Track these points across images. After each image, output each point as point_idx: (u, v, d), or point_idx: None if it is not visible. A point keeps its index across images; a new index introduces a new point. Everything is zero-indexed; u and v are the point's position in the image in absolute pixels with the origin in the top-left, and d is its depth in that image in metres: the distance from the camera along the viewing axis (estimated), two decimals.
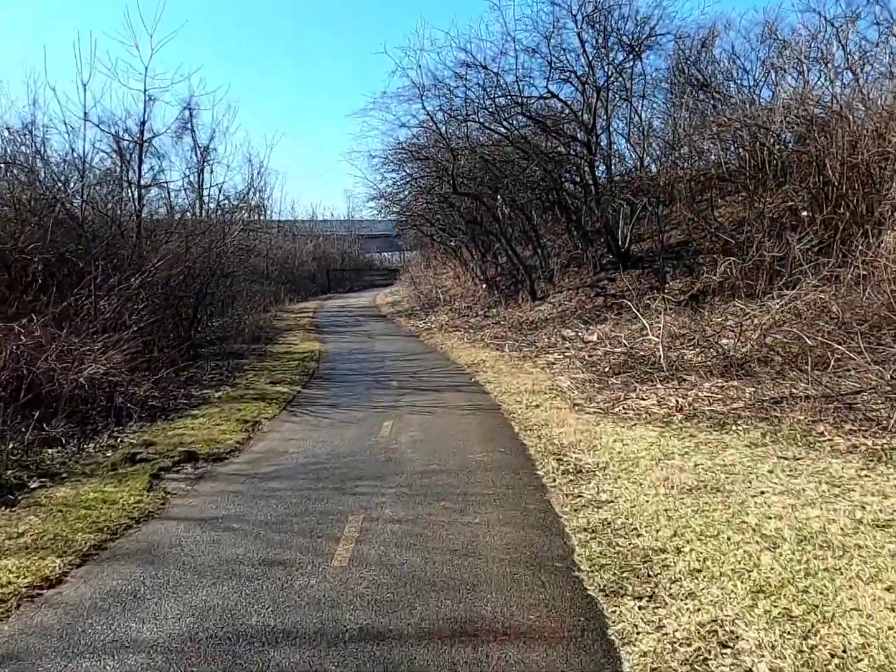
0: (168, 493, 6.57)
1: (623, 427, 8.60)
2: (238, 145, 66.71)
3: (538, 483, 6.42)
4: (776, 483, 5.95)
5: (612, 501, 5.70)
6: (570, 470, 6.74)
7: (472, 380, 13.49)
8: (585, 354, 14.97)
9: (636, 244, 22.06)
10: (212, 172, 28.00)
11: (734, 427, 8.24)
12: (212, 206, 29.97)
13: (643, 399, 10.33)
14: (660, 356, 12.02)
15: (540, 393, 11.50)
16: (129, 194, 17.31)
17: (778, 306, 12.20)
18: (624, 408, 9.97)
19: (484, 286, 28.69)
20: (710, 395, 10.14)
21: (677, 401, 9.89)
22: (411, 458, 7.57)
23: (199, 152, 29.38)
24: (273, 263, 40.54)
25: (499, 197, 24.41)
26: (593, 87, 20.88)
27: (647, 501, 5.61)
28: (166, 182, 18.50)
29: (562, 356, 15.46)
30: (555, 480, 6.45)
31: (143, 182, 17.65)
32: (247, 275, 30.13)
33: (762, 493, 5.72)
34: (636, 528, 5.01)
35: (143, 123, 16.87)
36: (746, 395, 9.84)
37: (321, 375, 15.48)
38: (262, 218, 43.89)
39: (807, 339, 9.88)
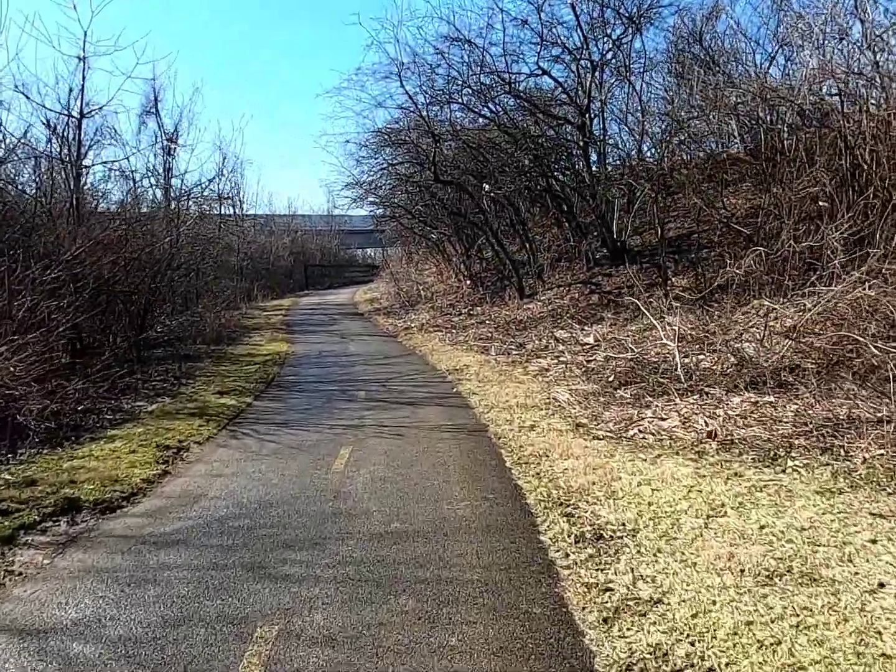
0: (9, 574, 4.55)
1: (645, 460, 6.69)
2: (203, 129, 63.40)
3: (544, 560, 4.46)
4: (892, 565, 4.05)
5: (659, 602, 3.76)
6: (587, 535, 4.79)
7: (454, 390, 11.53)
8: (583, 359, 13.07)
9: (633, 237, 20.22)
10: (173, 158, 25.69)
11: (790, 462, 6.36)
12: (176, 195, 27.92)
13: (662, 419, 8.42)
14: (675, 364, 10.14)
15: (534, 408, 9.58)
16: (65, 175, 15.14)
17: (812, 305, 10.34)
18: (640, 430, 8.06)
19: (468, 282, 26.76)
20: (743, 413, 8.27)
21: (706, 422, 8.00)
22: (367, 508, 5.59)
23: (163, 135, 27.23)
24: (246, 258, 38.33)
25: (485, 185, 22.46)
26: (588, 63, 18.96)
27: (714, 603, 3.68)
28: (110, 162, 16.25)
29: (556, 361, 13.55)
30: (567, 556, 4.49)
31: (83, 161, 15.50)
32: (213, 269, 28.02)
33: (881, 585, 3.81)
34: (714, 670, 3.08)
35: (80, 93, 14.69)
36: (789, 415, 7.99)
37: (281, 383, 13.46)
38: (235, 210, 41.72)
39: (872, 348, 7.98)
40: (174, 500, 6.06)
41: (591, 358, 13.07)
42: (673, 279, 16.92)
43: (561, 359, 13.60)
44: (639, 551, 4.47)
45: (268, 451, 7.79)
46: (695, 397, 9.08)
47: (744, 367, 9.71)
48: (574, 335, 15.69)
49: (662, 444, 7.41)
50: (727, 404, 8.66)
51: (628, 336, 13.53)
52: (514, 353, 15.17)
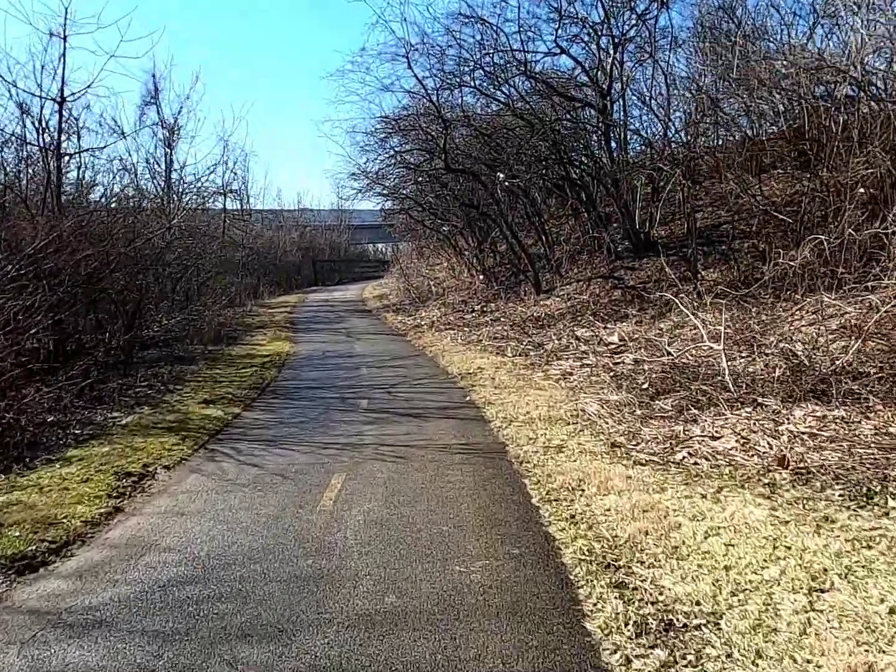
0: None
1: (705, 496, 5.38)
2: (203, 119, 61.88)
3: (597, 669, 3.17)
4: None
5: None
6: (652, 623, 3.49)
7: (467, 398, 10.24)
8: (609, 361, 11.78)
9: (657, 228, 18.84)
10: (173, 149, 24.52)
11: (891, 501, 5.03)
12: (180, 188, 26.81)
13: (715, 437, 7.11)
14: (722, 369, 8.82)
15: (560, 422, 8.29)
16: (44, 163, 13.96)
17: (881, 300, 8.98)
18: (690, 453, 6.75)
19: (481, 277, 25.44)
20: (811, 431, 6.94)
21: (769, 443, 6.68)
22: (356, 570, 4.31)
23: (161, 120, 26.11)
24: (251, 253, 37.09)
25: (499, 174, 21.09)
26: (609, 40, 17.56)
27: None
28: (94, 149, 15.08)
29: (579, 364, 12.25)
30: (629, 661, 3.18)
31: (64, 150, 14.33)
32: (215, 265, 26.86)
33: None
34: None
35: (62, 75, 13.53)
36: (867, 434, 6.69)
37: (276, 389, 12.22)
38: (241, 204, 40.54)
39: None
40: (115, 554, 4.80)
41: (618, 361, 11.77)
42: (703, 273, 15.57)
43: (585, 361, 12.31)
44: (729, 655, 3.17)
45: (246, 480, 6.53)
46: (748, 410, 7.77)
47: (801, 374, 8.37)
48: (597, 334, 14.39)
49: (721, 471, 6.10)
50: (788, 419, 7.34)
51: (659, 335, 12.23)
52: (531, 353, 13.88)
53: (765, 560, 4.14)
